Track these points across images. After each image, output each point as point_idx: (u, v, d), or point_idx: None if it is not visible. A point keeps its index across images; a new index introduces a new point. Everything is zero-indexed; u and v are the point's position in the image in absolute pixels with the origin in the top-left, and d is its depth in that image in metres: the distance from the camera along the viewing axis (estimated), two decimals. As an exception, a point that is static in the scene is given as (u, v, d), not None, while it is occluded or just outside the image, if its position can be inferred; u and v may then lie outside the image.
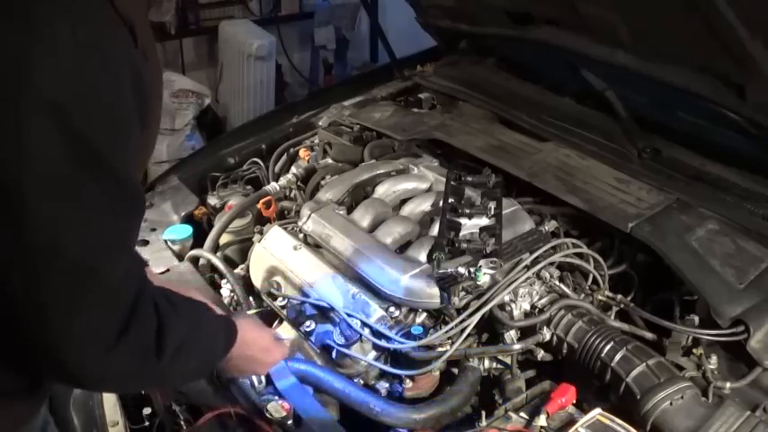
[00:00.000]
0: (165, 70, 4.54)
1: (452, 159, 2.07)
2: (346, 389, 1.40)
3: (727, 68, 1.61)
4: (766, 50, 1.47)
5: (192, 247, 1.93)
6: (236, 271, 1.85)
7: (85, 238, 0.82)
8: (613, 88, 2.06)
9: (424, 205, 1.83)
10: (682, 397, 1.29)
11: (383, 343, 1.48)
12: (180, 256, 1.90)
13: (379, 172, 1.99)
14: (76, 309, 0.84)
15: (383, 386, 1.48)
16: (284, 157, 2.33)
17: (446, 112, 2.33)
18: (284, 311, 1.63)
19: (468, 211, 1.70)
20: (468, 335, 1.48)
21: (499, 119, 2.23)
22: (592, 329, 1.44)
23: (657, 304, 1.59)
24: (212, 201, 2.15)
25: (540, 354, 1.50)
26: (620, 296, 1.57)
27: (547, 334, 1.48)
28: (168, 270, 1.79)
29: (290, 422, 1.27)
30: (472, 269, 1.47)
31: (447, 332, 1.45)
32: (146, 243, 1.90)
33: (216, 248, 1.95)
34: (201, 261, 1.89)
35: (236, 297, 1.75)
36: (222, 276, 1.81)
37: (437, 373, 1.50)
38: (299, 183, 2.17)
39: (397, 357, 1.50)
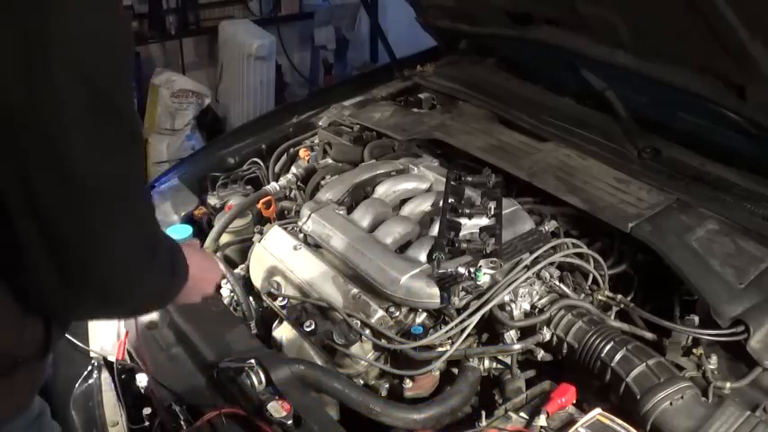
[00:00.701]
0: (165, 70, 4.56)
1: (452, 159, 2.07)
2: (346, 389, 1.40)
3: (727, 68, 1.61)
4: (766, 50, 1.47)
5: (192, 247, 1.92)
6: (236, 271, 1.85)
7: (119, 173, 0.92)
8: (613, 88, 2.06)
9: (424, 205, 1.83)
10: (682, 397, 1.29)
11: (383, 343, 1.48)
12: (180, 256, 1.89)
13: (379, 172, 1.99)
14: (119, 236, 0.93)
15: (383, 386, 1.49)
16: (284, 157, 2.33)
17: (446, 112, 2.33)
18: (284, 311, 1.63)
19: (468, 211, 1.70)
20: (468, 335, 1.48)
21: (499, 119, 2.23)
22: (592, 329, 1.44)
23: (657, 304, 1.59)
24: (212, 201, 2.15)
25: (540, 354, 1.50)
26: (620, 296, 1.57)
27: (547, 334, 1.48)
28: None
29: (289, 422, 1.27)
30: (472, 269, 1.47)
31: (447, 332, 1.45)
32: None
33: (216, 248, 1.95)
34: (201, 261, 1.89)
35: (236, 297, 1.75)
36: (222, 276, 1.81)
37: (437, 373, 1.50)
38: (299, 183, 2.17)
39: (397, 357, 1.50)
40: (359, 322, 1.50)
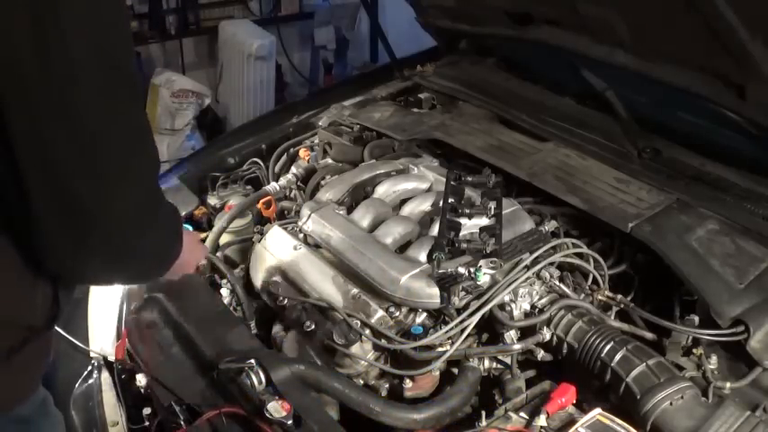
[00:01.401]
0: (165, 70, 4.56)
1: (452, 159, 2.07)
2: (346, 389, 1.40)
3: (727, 68, 1.61)
4: (766, 50, 1.47)
5: (192, 247, 1.92)
6: (236, 271, 1.85)
7: (126, 128, 0.95)
8: (613, 88, 2.06)
9: (424, 205, 1.83)
10: (682, 397, 1.29)
11: (383, 343, 1.48)
12: (180, 256, 1.89)
13: (379, 172, 1.99)
14: (126, 189, 0.96)
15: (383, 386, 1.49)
16: (284, 157, 2.33)
17: (446, 112, 2.33)
18: (284, 311, 1.63)
19: (468, 211, 1.70)
20: (468, 335, 1.48)
21: (499, 119, 2.23)
22: (592, 329, 1.44)
23: (657, 304, 1.59)
24: (212, 201, 2.15)
25: (540, 354, 1.50)
26: (620, 296, 1.57)
27: (547, 334, 1.48)
28: None
29: (289, 422, 1.27)
30: (472, 269, 1.47)
31: (447, 332, 1.45)
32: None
33: (216, 248, 1.95)
34: (201, 261, 1.89)
35: (236, 297, 1.75)
36: (222, 276, 1.81)
37: (437, 373, 1.50)
38: (299, 183, 2.17)
39: (397, 357, 1.50)
40: (359, 322, 1.50)
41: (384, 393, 1.51)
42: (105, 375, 1.65)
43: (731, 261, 1.54)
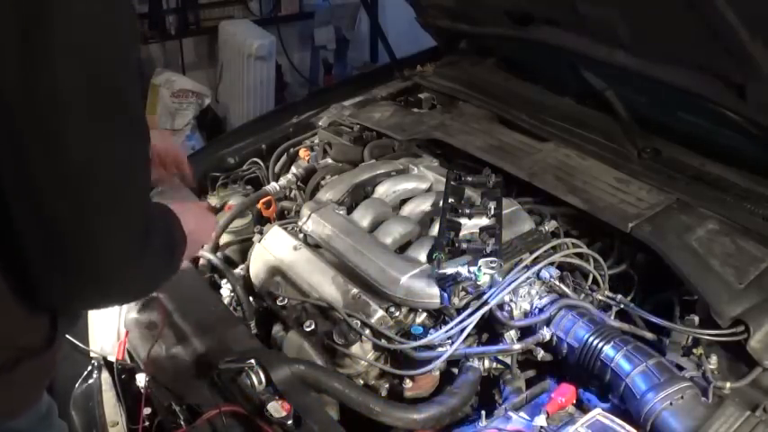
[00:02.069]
0: (165, 70, 4.56)
1: (452, 159, 2.07)
2: (346, 389, 1.40)
3: (727, 68, 1.61)
4: (766, 50, 1.47)
5: (192, 247, 1.92)
6: (236, 271, 1.85)
7: (117, 160, 0.91)
8: (613, 88, 2.06)
9: (424, 205, 1.83)
10: (682, 397, 1.28)
11: (383, 343, 1.48)
12: (180, 256, 1.89)
13: (379, 172, 1.99)
14: (114, 222, 0.92)
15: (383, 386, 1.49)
16: (284, 157, 2.33)
17: (446, 112, 2.33)
18: (284, 311, 1.63)
19: (468, 211, 1.70)
20: (468, 335, 1.48)
21: (499, 119, 2.23)
22: (592, 329, 1.44)
23: (657, 304, 1.59)
24: (212, 201, 2.15)
25: (540, 354, 1.50)
26: (620, 296, 1.57)
27: (547, 334, 1.48)
28: None
29: (289, 422, 1.27)
30: (472, 269, 1.47)
31: (447, 332, 1.45)
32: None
33: (216, 248, 1.95)
34: (201, 261, 1.89)
35: (236, 297, 1.75)
36: (222, 276, 1.81)
37: (437, 373, 1.50)
38: (299, 183, 2.17)
39: (397, 357, 1.50)
40: (359, 322, 1.49)
41: (384, 393, 1.51)
42: (105, 375, 1.65)
43: (731, 261, 1.54)
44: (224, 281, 1.80)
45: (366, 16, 5.08)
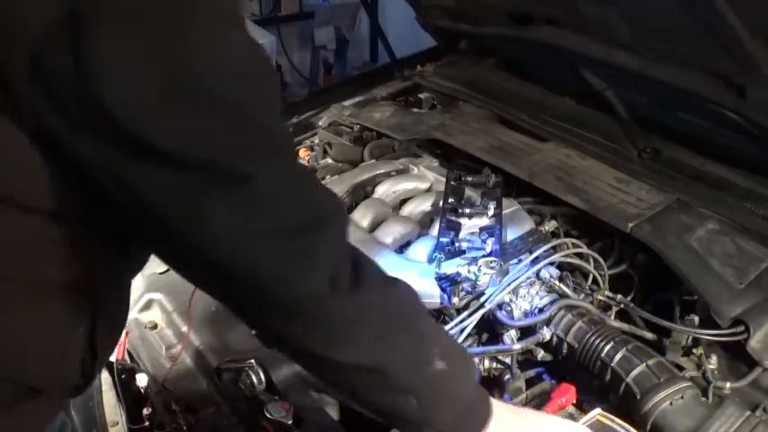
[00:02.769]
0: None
1: (452, 159, 2.07)
2: (346, 389, 1.39)
3: (727, 68, 1.61)
4: (766, 50, 1.47)
5: (192, 247, 1.92)
6: (236, 271, 1.84)
7: (301, 192, 0.86)
8: (613, 88, 2.06)
9: (424, 205, 1.83)
10: (682, 397, 1.28)
11: (383, 343, 1.48)
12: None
13: (379, 172, 1.99)
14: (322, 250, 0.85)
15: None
16: (284, 157, 2.33)
17: (446, 112, 2.33)
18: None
19: (468, 211, 1.70)
20: (468, 335, 1.48)
21: (499, 119, 2.23)
22: (592, 329, 1.44)
23: (657, 304, 1.59)
24: (212, 201, 2.14)
25: (540, 354, 1.50)
26: (620, 296, 1.57)
27: (547, 334, 1.48)
28: (169, 269, 1.79)
29: (289, 422, 1.27)
30: (472, 269, 1.47)
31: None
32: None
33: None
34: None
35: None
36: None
37: (437, 373, 1.50)
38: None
39: (397, 357, 1.50)
40: (359, 322, 1.49)
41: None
42: (105, 375, 1.65)
43: (731, 261, 1.54)
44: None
45: (366, 16, 5.08)
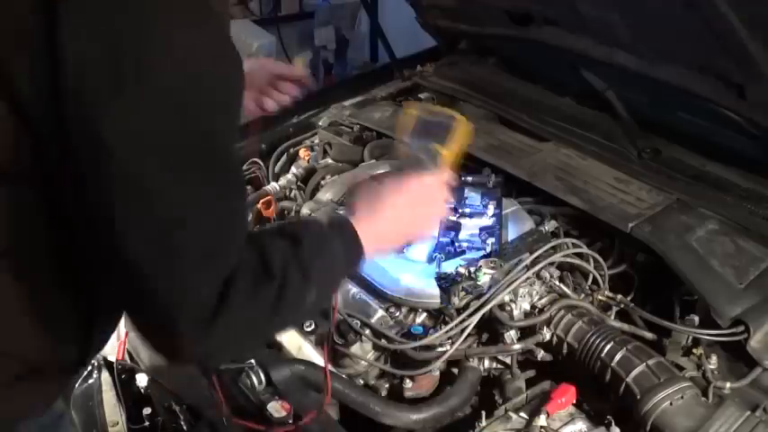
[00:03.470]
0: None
1: (452, 159, 2.07)
2: (346, 389, 1.40)
3: (727, 68, 1.61)
4: (766, 50, 1.47)
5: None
6: (236, 271, 1.84)
7: (207, 212, 0.86)
8: (613, 88, 2.06)
9: (424, 205, 1.83)
10: (682, 397, 1.29)
11: (383, 343, 1.48)
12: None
13: (379, 172, 1.99)
14: (198, 280, 0.86)
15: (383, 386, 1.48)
16: (284, 157, 2.33)
17: (446, 112, 2.33)
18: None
19: (468, 211, 1.70)
20: (468, 335, 1.48)
21: (499, 119, 2.23)
22: (592, 329, 1.44)
23: (657, 304, 1.59)
24: (212, 201, 2.14)
25: (540, 354, 1.50)
26: (620, 296, 1.57)
27: (547, 334, 1.48)
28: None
29: (289, 422, 1.27)
30: (472, 269, 1.47)
31: (447, 332, 1.45)
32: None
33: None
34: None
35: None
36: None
37: (437, 373, 1.50)
38: (299, 183, 2.17)
39: (397, 357, 1.50)
40: (359, 322, 1.49)
41: (384, 393, 1.51)
42: (105, 375, 1.65)
43: (731, 261, 1.54)
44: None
45: (366, 16, 5.08)
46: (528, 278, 1.54)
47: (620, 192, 1.78)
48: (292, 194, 2.15)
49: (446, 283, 1.49)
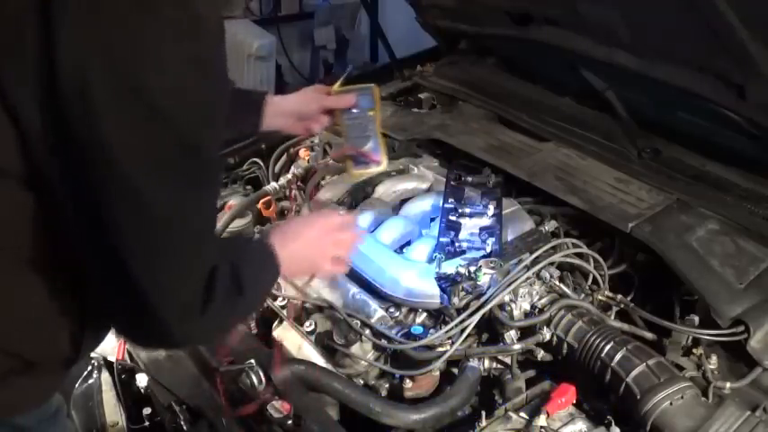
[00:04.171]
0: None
1: (452, 159, 2.07)
2: (346, 389, 1.40)
3: (727, 68, 1.61)
4: (766, 50, 1.47)
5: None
6: (236, 271, 1.84)
7: (190, 214, 0.92)
8: (613, 88, 2.06)
9: (424, 205, 1.83)
10: (682, 397, 1.29)
11: (383, 343, 1.48)
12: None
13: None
14: (181, 278, 0.93)
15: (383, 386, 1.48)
16: (284, 157, 2.33)
17: (446, 112, 2.33)
18: (284, 311, 1.63)
19: (468, 211, 1.71)
20: (468, 335, 1.48)
21: (499, 119, 2.23)
22: (592, 329, 1.44)
23: (657, 304, 1.59)
24: (212, 201, 2.14)
25: (540, 354, 1.50)
26: (620, 296, 1.57)
27: (547, 334, 1.48)
28: None
29: (289, 422, 1.27)
30: (472, 269, 1.47)
31: (447, 332, 1.45)
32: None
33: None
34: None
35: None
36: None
37: (437, 373, 1.50)
38: (299, 183, 2.17)
39: (397, 357, 1.50)
40: (359, 322, 1.49)
41: (384, 393, 1.50)
42: (105, 375, 1.65)
43: (731, 261, 1.54)
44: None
45: (366, 16, 5.08)
46: (528, 278, 1.54)
47: (620, 192, 1.78)
48: (292, 194, 2.15)
49: (446, 283, 1.49)
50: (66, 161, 0.85)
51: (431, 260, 1.57)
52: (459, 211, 1.71)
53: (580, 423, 1.29)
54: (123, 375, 1.63)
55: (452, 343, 1.45)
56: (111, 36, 0.80)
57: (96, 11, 0.80)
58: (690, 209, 1.70)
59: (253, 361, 1.36)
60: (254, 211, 2.06)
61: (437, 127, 2.20)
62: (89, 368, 1.67)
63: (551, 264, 1.59)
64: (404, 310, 1.54)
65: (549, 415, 1.29)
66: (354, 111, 1.63)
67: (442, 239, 1.61)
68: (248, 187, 2.24)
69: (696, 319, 1.48)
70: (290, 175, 2.18)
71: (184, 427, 1.37)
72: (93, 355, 1.67)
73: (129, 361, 1.63)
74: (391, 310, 1.52)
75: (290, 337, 1.61)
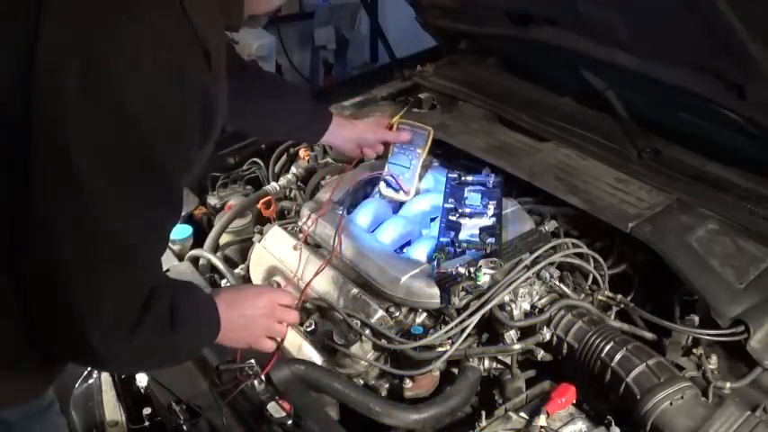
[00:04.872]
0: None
1: (452, 159, 2.07)
2: (346, 389, 1.40)
3: (727, 68, 1.61)
4: (766, 50, 1.47)
5: (192, 247, 1.93)
6: (236, 271, 1.85)
7: (135, 228, 0.91)
8: (613, 88, 2.06)
9: (424, 205, 1.83)
10: (682, 397, 1.29)
11: (383, 343, 1.48)
12: (180, 257, 1.90)
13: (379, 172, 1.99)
14: (114, 293, 0.92)
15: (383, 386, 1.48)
16: (284, 157, 2.33)
17: (446, 112, 2.33)
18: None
19: (468, 211, 1.71)
20: (468, 335, 1.48)
21: (499, 119, 2.23)
22: (592, 329, 1.44)
23: (657, 304, 1.59)
24: (212, 201, 2.15)
25: (540, 354, 1.50)
26: (620, 296, 1.57)
27: (547, 334, 1.48)
28: (168, 270, 1.79)
29: (289, 422, 1.27)
30: (472, 269, 1.47)
31: (447, 332, 1.45)
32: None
33: (216, 248, 1.95)
34: (201, 261, 1.89)
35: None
36: (222, 276, 1.81)
37: (437, 373, 1.50)
38: (299, 183, 2.17)
39: (397, 357, 1.50)
40: (359, 322, 1.49)
41: (384, 393, 1.51)
42: (105, 375, 1.65)
43: (731, 261, 1.54)
44: (224, 281, 1.80)
45: (366, 16, 5.08)
46: (528, 278, 1.54)
47: (620, 192, 1.78)
48: (292, 194, 2.15)
49: (446, 283, 1.49)
50: (24, 146, 0.84)
51: (431, 260, 1.57)
52: (460, 211, 1.71)
53: (580, 423, 1.29)
54: (123, 375, 1.63)
55: (452, 343, 1.46)
56: (90, 32, 0.82)
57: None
58: (690, 209, 1.70)
59: (253, 361, 1.36)
60: (254, 211, 2.06)
61: (437, 127, 2.19)
62: (89, 368, 1.67)
63: (551, 264, 1.59)
64: (404, 310, 1.54)
65: (549, 415, 1.29)
66: (403, 144, 1.87)
67: (442, 239, 1.61)
68: (248, 187, 2.24)
69: (696, 319, 1.48)
70: (290, 175, 2.18)
71: (184, 427, 1.37)
72: (93, 355, 1.68)
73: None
74: (391, 310, 1.52)
75: (290, 337, 1.61)
